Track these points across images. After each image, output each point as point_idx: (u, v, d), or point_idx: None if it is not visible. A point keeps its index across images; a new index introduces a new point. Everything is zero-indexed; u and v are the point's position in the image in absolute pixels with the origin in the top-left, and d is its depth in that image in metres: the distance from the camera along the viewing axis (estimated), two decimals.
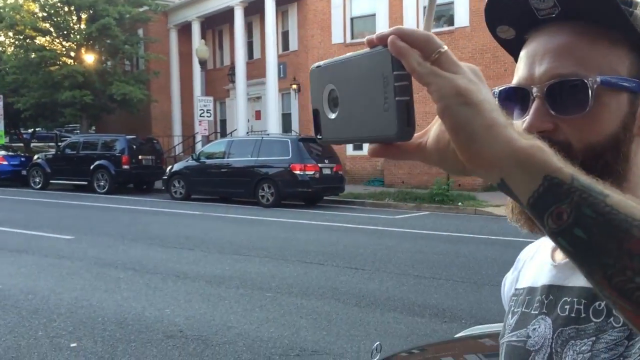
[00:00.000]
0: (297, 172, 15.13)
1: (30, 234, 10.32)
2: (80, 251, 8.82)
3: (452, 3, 19.60)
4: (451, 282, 6.91)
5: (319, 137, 0.60)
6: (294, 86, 23.18)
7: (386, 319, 5.56)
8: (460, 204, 14.98)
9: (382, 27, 20.82)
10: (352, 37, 22.05)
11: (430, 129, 0.59)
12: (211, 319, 5.49)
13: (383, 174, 20.12)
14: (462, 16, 19.35)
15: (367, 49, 0.55)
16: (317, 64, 0.60)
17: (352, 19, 22.11)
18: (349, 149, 20.98)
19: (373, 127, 0.54)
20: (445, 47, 0.53)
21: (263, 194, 15.48)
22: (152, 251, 8.92)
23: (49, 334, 5.04)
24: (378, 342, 1.75)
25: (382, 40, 0.53)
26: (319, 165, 15.41)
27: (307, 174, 15.17)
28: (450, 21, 19.85)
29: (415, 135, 0.57)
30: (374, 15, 21.33)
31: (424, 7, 20.19)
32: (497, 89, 0.75)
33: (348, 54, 0.57)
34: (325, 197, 16.28)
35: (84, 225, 11.58)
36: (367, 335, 5.03)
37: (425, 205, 15.11)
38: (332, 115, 0.58)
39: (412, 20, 20.23)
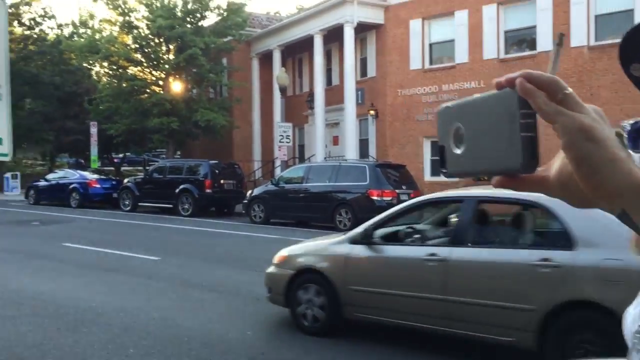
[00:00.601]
0: (375, 197, 15.14)
1: (121, 254, 10.85)
2: (167, 272, 9.20)
3: (535, 27, 19.20)
4: None
5: (444, 170, 0.67)
6: (372, 112, 23.29)
7: None
8: None
9: (462, 53, 20.67)
10: (431, 63, 21.97)
11: (553, 163, 0.63)
12: (292, 344, 5.59)
13: None
14: (544, 40, 18.88)
15: (493, 91, 0.61)
16: (445, 104, 0.67)
17: (430, 45, 22.05)
18: (427, 174, 20.82)
19: (498, 161, 0.60)
20: (570, 90, 0.59)
21: (340, 219, 15.56)
22: (233, 273, 9.18)
23: (139, 352, 5.28)
24: None
25: (510, 82, 0.60)
26: (397, 191, 15.35)
27: (384, 200, 15.13)
28: (532, 45, 19.42)
29: (539, 169, 0.62)
30: (452, 41, 21.16)
31: (505, 32, 19.91)
32: (627, 123, 0.77)
33: (475, 96, 0.63)
34: None
35: (170, 247, 12.07)
36: None
37: None
38: (458, 151, 0.64)
39: (493, 46, 19.91)
